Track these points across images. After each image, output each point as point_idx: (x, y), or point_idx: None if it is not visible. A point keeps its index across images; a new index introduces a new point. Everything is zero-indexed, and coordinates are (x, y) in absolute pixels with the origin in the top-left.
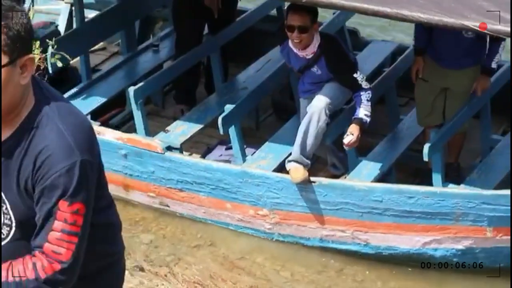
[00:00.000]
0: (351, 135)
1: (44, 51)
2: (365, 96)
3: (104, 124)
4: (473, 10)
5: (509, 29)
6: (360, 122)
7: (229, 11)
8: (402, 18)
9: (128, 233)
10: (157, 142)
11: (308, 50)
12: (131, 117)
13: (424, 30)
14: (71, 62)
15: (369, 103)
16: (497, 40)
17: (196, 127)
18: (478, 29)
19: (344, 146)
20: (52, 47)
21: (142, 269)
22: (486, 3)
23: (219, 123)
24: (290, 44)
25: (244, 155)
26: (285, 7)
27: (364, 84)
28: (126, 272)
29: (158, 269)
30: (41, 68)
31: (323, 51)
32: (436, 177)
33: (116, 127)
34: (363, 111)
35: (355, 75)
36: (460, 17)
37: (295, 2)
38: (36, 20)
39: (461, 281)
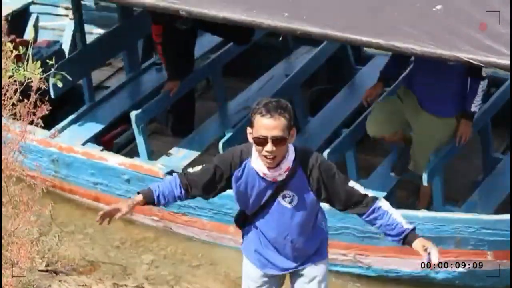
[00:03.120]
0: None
1: (46, 71)
2: (384, 207)
3: (109, 142)
4: (468, 42)
5: (508, 62)
6: (412, 236)
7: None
8: (395, 50)
9: (129, 252)
10: (159, 167)
11: (281, 167)
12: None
13: (396, 63)
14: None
15: (398, 212)
16: (476, 81)
17: (198, 150)
18: (472, 61)
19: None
20: (53, 68)
21: None
22: (482, 36)
23: (220, 149)
24: (254, 162)
25: None
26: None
27: (370, 192)
28: None
29: None
30: (42, 89)
31: (300, 162)
32: (437, 200)
33: (122, 145)
34: (404, 223)
35: (351, 184)
36: (455, 49)
37: (290, 33)
38: (41, 37)
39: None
